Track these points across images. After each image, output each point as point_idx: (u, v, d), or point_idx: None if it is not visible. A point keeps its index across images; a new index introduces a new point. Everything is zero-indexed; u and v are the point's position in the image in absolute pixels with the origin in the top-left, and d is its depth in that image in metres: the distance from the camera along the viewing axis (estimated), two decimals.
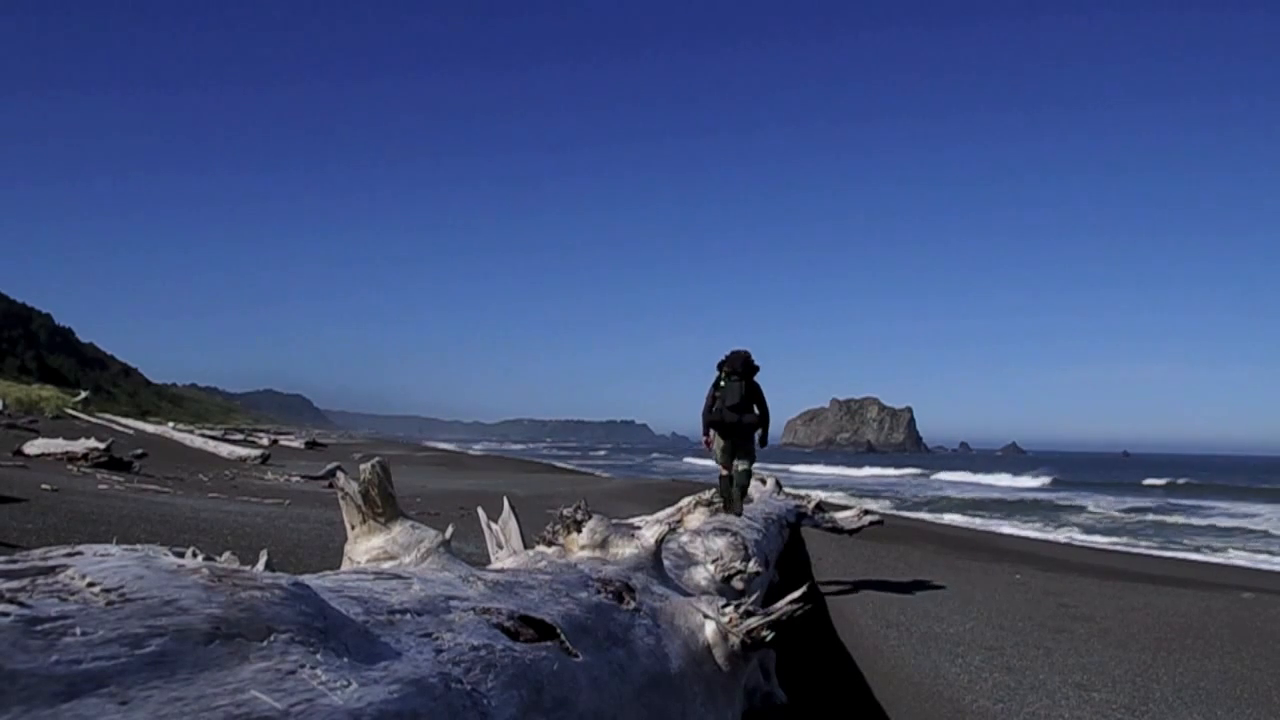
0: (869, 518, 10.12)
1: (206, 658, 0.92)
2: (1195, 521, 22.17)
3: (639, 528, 2.69)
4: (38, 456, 12.60)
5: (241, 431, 43.94)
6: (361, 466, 1.87)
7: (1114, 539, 17.38)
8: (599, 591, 2.04)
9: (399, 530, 1.84)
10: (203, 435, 28.08)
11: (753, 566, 3.71)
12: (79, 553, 0.99)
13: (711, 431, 7.07)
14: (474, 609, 1.48)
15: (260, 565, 2.22)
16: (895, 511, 21.48)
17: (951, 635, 6.26)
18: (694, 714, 2.08)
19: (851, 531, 10.07)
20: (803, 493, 11.90)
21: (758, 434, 7.07)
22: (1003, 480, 42.86)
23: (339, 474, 1.96)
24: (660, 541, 2.62)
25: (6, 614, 0.83)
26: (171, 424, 37.29)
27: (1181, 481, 43.99)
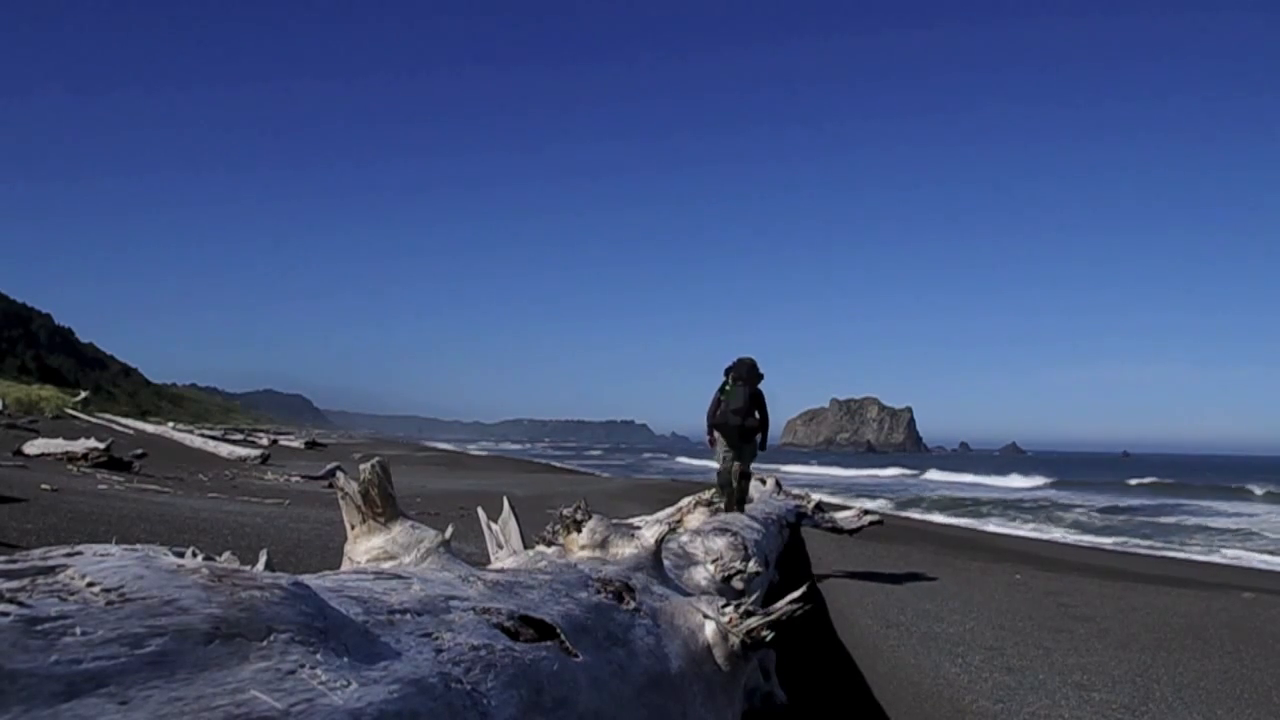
0: (869, 518, 10.13)
1: (206, 658, 0.92)
2: (1184, 521, 22.19)
3: (639, 528, 2.69)
4: (38, 456, 12.59)
5: (241, 431, 43.93)
6: (361, 466, 1.87)
7: (1114, 539, 17.38)
8: (599, 591, 2.04)
9: (399, 530, 1.84)
10: (203, 435, 28.07)
11: (753, 566, 3.71)
12: (79, 553, 0.99)
13: (715, 433, 7.44)
14: (474, 609, 1.48)
15: (260, 565, 2.22)
16: (895, 511, 21.47)
17: (951, 635, 6.26)
18: (694, 714, 2.08)
19: (851, 531, 10.07)
20: (802, 493, 11.90)
21: (758, 437, 7.43)
22: (1002, 480, 42.84)
23: (339, 474, 1.96)
24: (660, 541, 2.62)
25: (6, 614, 0.83)
26: (171, 424, 37.27)
27: (1169, 481, 43.92)
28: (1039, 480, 43.86)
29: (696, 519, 6.30)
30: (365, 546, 1.83)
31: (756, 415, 7.29)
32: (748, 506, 7.35)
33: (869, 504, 18.68)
